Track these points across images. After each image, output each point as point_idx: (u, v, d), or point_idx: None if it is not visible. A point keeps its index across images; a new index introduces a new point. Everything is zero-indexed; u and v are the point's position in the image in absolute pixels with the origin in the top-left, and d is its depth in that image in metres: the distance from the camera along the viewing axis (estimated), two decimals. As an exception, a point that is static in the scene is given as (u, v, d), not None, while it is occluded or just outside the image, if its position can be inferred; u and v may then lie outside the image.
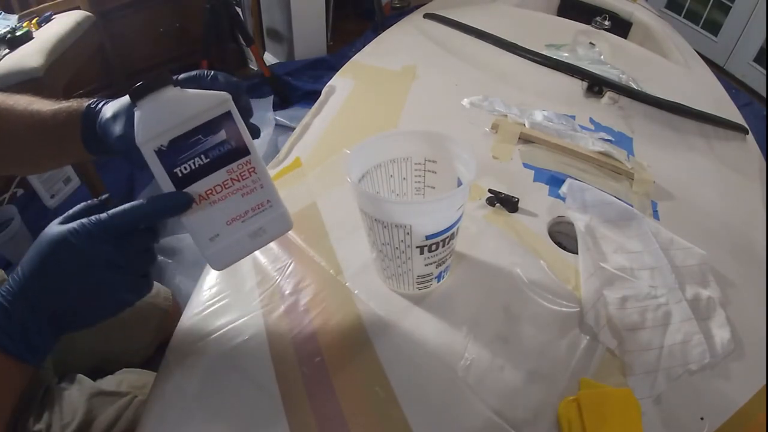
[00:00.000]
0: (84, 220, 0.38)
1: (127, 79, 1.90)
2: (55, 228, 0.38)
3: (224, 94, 0.39)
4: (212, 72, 0.45)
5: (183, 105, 0.38)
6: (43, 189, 1.59)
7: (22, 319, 0.38)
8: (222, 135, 0.39)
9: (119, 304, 0.40)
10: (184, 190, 0.39)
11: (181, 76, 0.44)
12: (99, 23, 1.68)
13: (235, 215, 0.41)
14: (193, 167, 0.38)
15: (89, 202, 0.42)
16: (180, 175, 0.38)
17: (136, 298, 0.41)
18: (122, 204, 0.39)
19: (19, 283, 0.38)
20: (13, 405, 0.41)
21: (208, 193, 0.39)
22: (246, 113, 0.44)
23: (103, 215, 0.38)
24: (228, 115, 0.39)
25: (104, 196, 0.44)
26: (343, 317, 0.50)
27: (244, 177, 0.40)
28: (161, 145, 0.37)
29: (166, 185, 0.38)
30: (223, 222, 0.41)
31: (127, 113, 0.43)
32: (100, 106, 0.48)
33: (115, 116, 0.44)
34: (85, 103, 0.49)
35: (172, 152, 0.37)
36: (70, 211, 0.41)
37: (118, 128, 0.43)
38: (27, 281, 0.38)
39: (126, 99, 0.44)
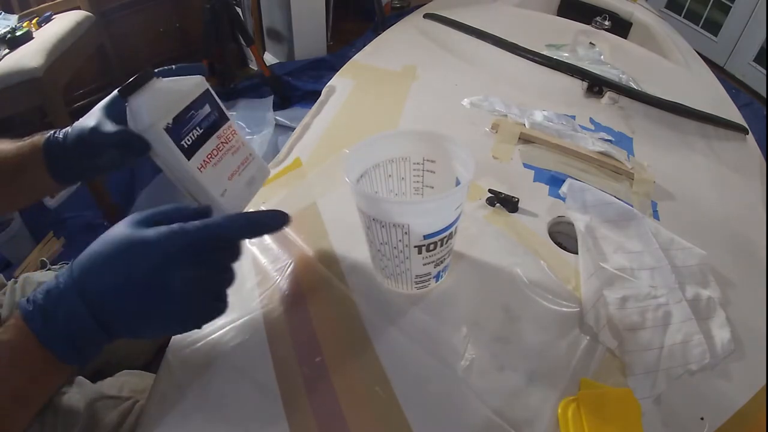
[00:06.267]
0: (167, 227, 0.35)
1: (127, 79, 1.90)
2: (126, 229, 0.36)
3: (199, 77, 0.46)
4: (173, 66, 0.49)
5: (173, 90, 0.44)
6: (43, 189, 1.59)
7: (68, 316, 0.35)
8: (207, 108, 0.46)
9: (183, 323, 0.38)
10: (194, 158, 0.44)
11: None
12: (99, 23, 1.69)
13: (233, 170, 0.49)
14: (193, 138, 0.45)
15: (176, 206, 0.40)
16: (186, 146, 0.44)
17: (203, 321, 0.39)
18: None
19: (72, 278, 0.35)
20: (44, 402, 0.39)
21: (209, 157, 0.46)
22: None
23: (191, 224, 0.36)
24: (208, 91, 0.47)
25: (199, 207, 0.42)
26: (343, 317, 0.50)
27: (229, 139, 0.48)
28: (168, 123, 0.42)
29: (177, 157, 0.43)
30: (226, 178, 0.48)
31: (109, 115, 0.46)
32: (60, 133, 0.48)
33: (98, 123, 0.45)
34: (46, 135, 0.49)
35: (176, 128, 0.43)
36: (146, 213, 0.38)
37: (109, 127, 0.44)
38: (83, 277, 0.35)
39: (94, 110, 0.47)
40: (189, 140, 0.44)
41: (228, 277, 0.39)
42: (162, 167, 0.45)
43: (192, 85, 0.45)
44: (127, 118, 0.43)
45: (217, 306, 0.39)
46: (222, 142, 0.47)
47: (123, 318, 0.36)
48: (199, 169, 0.45)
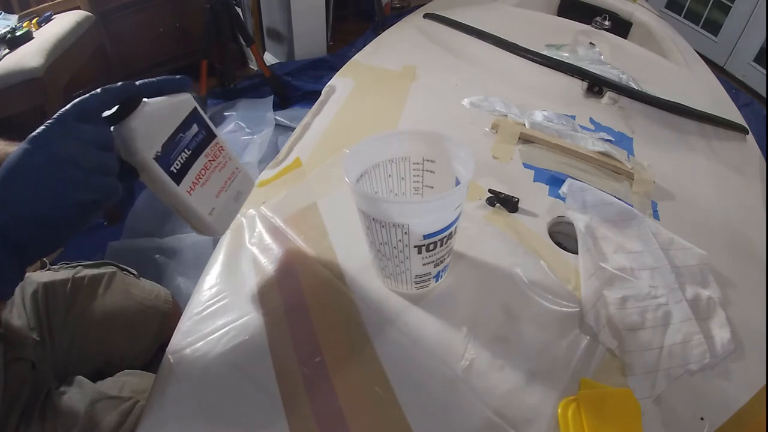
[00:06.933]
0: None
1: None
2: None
3: (185, 94, 0.44)
4: (154, 79, 0.45)
5: (161, 114, 0.42)
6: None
7: None
8: (195, 128, 0.45)
9: (79, 205, 0.37)
10: (182, 182, 0.43)
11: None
12: (99, 23, 1.69)
13: (220, 187, 0.48)
14: (182, 161, 0.44)
15: None
16: (175, 171, 0.43)
17: (99, 195, 0.37)
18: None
19: None
20: None
21: (198, 177, 0.45)
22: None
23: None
24: (195, 110, 0.45)
25: None
26: (343, 317, 0.50)
27: (216, 156, 0.47)
28: (157, 152, 0.41)
29: (166, 183, 0.42)
30: (214, 196, 0.47)
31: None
32: None
33: None
34: None
35: (165, 155, 0.42)
36: None
37: None
38: None
39: None
40: (178, 164, 0.43)
41: (106, 151, 0.38)
42: (150, 188, 0.44)
43: (179, 105, 0.44)
44: (114, 143, 0.41)
45: (110, 181, 0.38)
46: (209, 161, 0.46)
47: (22, 222, 0.35)
48: (188, 192, 0.44)
